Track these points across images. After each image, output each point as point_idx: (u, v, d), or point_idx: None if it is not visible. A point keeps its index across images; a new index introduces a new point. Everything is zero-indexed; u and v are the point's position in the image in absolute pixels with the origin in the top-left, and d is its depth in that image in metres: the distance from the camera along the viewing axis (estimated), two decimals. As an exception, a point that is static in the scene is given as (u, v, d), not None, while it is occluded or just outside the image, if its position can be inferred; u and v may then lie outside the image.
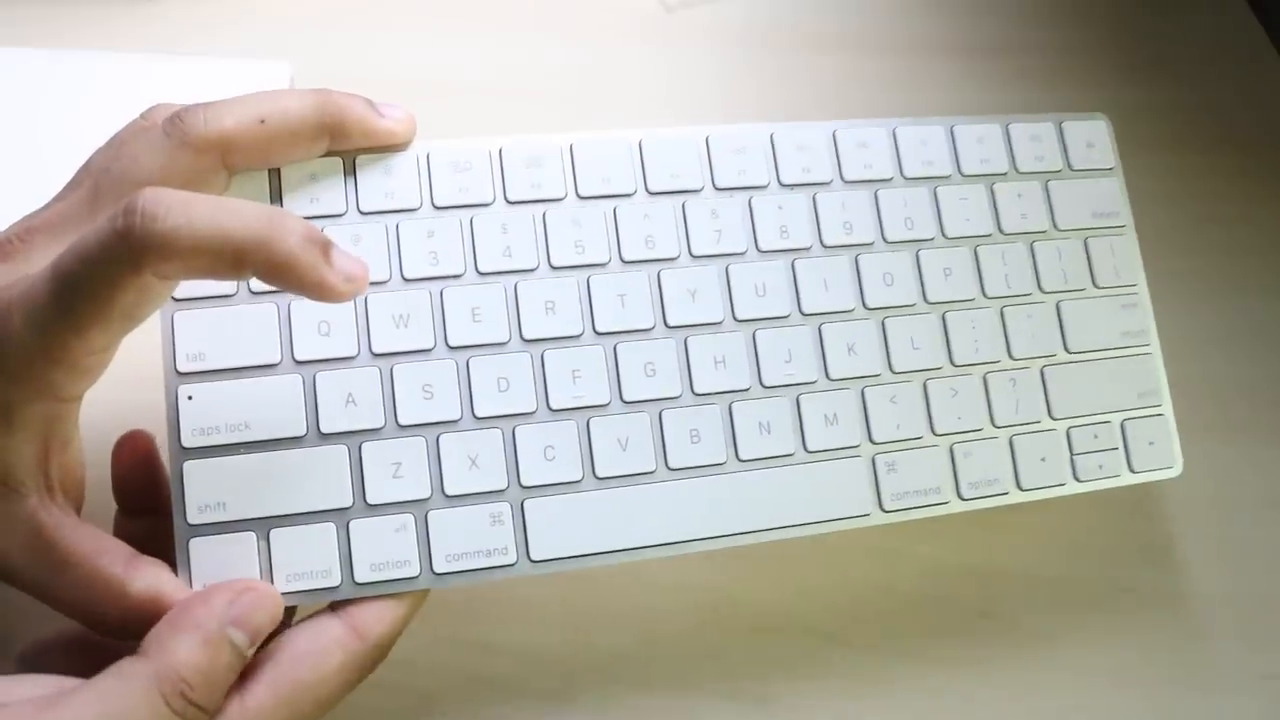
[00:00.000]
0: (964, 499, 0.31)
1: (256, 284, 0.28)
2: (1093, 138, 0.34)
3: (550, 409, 0.29)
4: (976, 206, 0.33)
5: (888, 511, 0.30)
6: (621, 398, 0.29)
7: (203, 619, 0.24)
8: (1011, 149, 0.34)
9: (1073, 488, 0.32)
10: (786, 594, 0.35)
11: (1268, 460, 0.38)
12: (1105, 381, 0.33)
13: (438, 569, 0.27)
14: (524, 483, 0.28)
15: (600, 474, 0.29)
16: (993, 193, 0.33)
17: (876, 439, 0.31)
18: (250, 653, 0.25)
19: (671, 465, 0.29)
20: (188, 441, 0.27)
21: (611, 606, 0.34)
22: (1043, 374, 0.32)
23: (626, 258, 0.30)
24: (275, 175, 0.28)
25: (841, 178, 0.32)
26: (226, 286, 0.28)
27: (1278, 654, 0.34)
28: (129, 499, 0.29)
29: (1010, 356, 0.32)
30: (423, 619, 0.34)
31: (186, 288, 0.27)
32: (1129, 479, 0.33)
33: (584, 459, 0.29)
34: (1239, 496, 0.38)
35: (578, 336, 0.29)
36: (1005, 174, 0.33)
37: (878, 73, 0.44)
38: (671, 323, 0.30)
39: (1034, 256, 0.33)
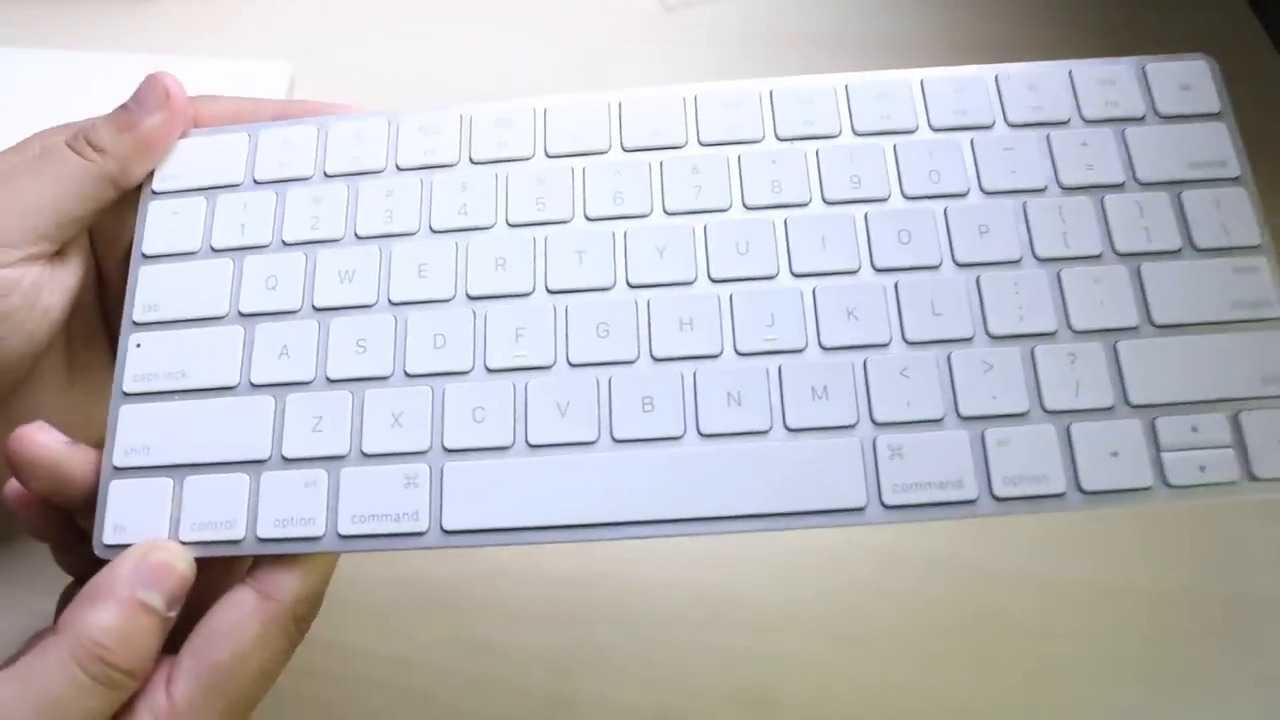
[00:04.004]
0: (998, 498, 0.24)
1: (218, 241, 0.28)
2: (1189, 80, 0.28)
3: (487, 368, 0.26)
4: (1024, 157, 0.27)
5: (889, 507, 0.24)
6: (567, 359, 0.26)
7: (112, 586, 0.24)
8: (1076, 94, 0.28)
9: (1163, 495, 0.24)
10: (786, 594, 0.34)
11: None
12: (1210, 362, 0.25)
13: (343, 530, 0.25)
14: (447, 445, 0.25)
15: (533, 440, 0.25)
16: (1048, 141, 0.27)
17: (879, 418, 0.25)
18: (172, 613, 0.24)
19: (617, 436, 0.25)
20: (128, 387, 0.27)
21: (611, 606, 0.34)
22: (1115, 349, 0.25)
23: (591, 214, 0.28)
24: (253, 140, 0.29)
25: (853, 129, 0.28)
26: (191, 242, 0.28)
27: (1278, 654, 0.33)
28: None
29: (1070, 328, 0.26)
30: (422, 619, 0.33)
31: (155, 243, 0.28)
32: (1248, 491, 0.24)
33: (516, 423, 0.26)
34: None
35: (527, 294, 0.27)
36: (1066, 121, 0.28)
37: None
38: (634, 281, 0.27)
39: (1104, 212, 0.27)
